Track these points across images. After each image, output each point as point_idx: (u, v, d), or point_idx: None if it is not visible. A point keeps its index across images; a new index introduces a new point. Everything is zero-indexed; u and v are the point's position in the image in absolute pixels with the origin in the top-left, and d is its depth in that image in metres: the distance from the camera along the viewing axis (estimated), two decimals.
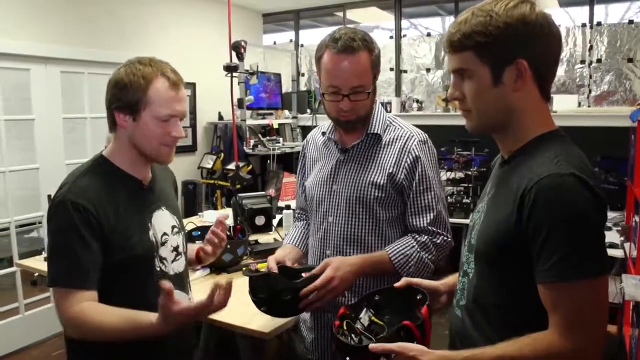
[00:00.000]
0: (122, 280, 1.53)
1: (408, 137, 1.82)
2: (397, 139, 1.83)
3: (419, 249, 1.77)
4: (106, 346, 1.48)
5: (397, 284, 1.47)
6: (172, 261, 1.69)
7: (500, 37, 1.15)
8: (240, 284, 2.61)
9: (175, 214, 1.76)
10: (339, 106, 1.76)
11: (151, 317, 1.41)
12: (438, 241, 1.80)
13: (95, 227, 1.47)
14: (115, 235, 1.51)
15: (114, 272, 1.51)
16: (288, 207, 3.55)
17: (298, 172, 2.13)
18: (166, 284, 1.34)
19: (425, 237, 1.79)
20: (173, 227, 1.72)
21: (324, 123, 2.00)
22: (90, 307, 1.44)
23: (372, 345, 1.20)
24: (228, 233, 2.95)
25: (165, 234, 1.67)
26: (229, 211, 3.65)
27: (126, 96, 1.53)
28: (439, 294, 1.50)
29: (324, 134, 1.96)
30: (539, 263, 1.11)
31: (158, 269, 1.63)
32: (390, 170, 1.79)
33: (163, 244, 1.65)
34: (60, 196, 1.49)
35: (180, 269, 1.73)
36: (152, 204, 1.67)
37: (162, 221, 1.68)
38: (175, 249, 1.71)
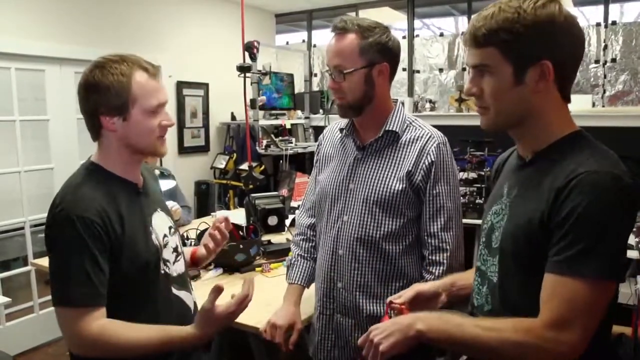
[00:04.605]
0: (131, 287, 1.51)
1: (428, 139, 1.79)
2: (416, 139, 1.80)
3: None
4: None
5: (408, 294, 1.46)
6: (174, 262, 1.67)
7: (527, 36, 1.13)
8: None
9: (168, 214, 1.74)
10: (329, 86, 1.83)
11: (184, 327, 1.44)
12: (440, 259, 1.78)
13: (104, 241, 1.43)
14: (123, 244, 1.47)
15: (123, 280, 1.48)
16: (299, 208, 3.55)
17: (313, 166, 2.09)
18: (218, 286, 1.36)
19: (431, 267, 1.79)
20: (170, 227, 1.70)
21: (342, 120, 1.96)
22: (111, 324, 1.42)
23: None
24: (241, 233, 2.96)
25: (165, 235, 1.65)
26: (240, 211, 3.65)
27: (111, 99, 1.47)
28: (439, 295, 1.50)
29: (341, 130, 1.93)
30: (554, 253, 1.10)
31: (162, 271, 1.60)
32: (409, 169, 1.76)
33: (165, 245, 1.63)
34: (65, 211, 1.42)
35: (182, 270, 1.71)
36: (150, 207, 1.64)
37: (160, 223, 1.66)
38: (175, 249, 1.69)
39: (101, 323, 1.40)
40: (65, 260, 1.42)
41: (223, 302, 1.49)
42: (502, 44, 1.15)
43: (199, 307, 1.54)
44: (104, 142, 1.56)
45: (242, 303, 1.49)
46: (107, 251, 1.44)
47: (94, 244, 1.40)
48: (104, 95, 1.47)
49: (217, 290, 1.41)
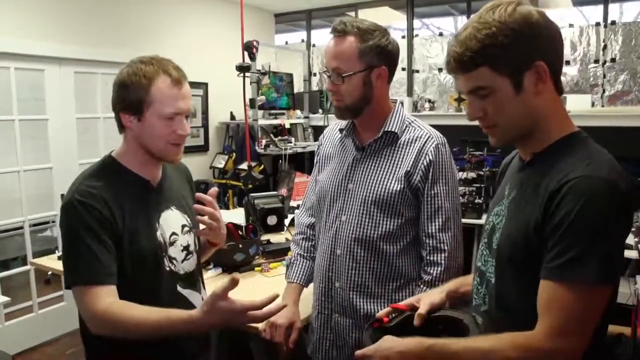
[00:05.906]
0: (130, 280, 1.52)
1: (427, 139, 1.79)
2: (415, 140, 1.80)
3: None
4: (123, 343, 1.47)
5: (423, 309, 1.40)
6: (183, 260, 1.68)
7: (513, 44, 1.13)
8: (252, 284, 2.62)
9: (187, 213, 1.75)
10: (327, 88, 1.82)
11: (189, 312, 1.42)
12: (439, 260, 1.77)
13: (106, 225, 1.48)
14: (123, 236, 1.51)
15: (122, 273, 1.51)
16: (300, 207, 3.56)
17: (314, 166, 2.10)
18: (235, 275, 1.35)
19: (430, 272, 1.78)
20: (183, 226, 1.71)
21: (342, 121, 1.96)
22: (118, 302, 1.44)
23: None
24: (240, 232, 2.96)
25: (174, 233, 1.66)
26: (240, 211, 3.66)
27: (129, 96, 1.52)
28: (444, 303, 1.49)
29: (341, 130, 1.94)
30: (549, 260, 1.10)
31: (167, 268, 1.62)
32: (408, 169, 1.77)
33: (172, 243, 1.65)
34: (69, 198, 1.49)
35: (191, 268, 1.72)
36: (161, 204, 1.66)
37: (171, 221, 1.67)
38: (186, 248, 1.70)
39: (108, 301, 1.43)
40: (71, 242, 1.48)
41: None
42: (491, 60, 1.14)
43: None
44: (126, 137, 1.62)
45: (251, 310, 1.37)
46: (110, 236, 1.49)
47: (97, 226, 1.46)
48: (123, 92, 1.53)
49: (232, 281, 1.38)
